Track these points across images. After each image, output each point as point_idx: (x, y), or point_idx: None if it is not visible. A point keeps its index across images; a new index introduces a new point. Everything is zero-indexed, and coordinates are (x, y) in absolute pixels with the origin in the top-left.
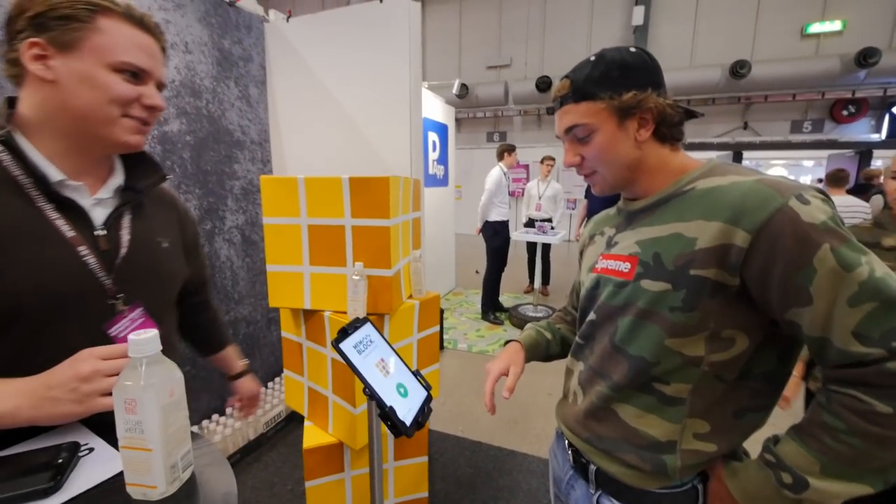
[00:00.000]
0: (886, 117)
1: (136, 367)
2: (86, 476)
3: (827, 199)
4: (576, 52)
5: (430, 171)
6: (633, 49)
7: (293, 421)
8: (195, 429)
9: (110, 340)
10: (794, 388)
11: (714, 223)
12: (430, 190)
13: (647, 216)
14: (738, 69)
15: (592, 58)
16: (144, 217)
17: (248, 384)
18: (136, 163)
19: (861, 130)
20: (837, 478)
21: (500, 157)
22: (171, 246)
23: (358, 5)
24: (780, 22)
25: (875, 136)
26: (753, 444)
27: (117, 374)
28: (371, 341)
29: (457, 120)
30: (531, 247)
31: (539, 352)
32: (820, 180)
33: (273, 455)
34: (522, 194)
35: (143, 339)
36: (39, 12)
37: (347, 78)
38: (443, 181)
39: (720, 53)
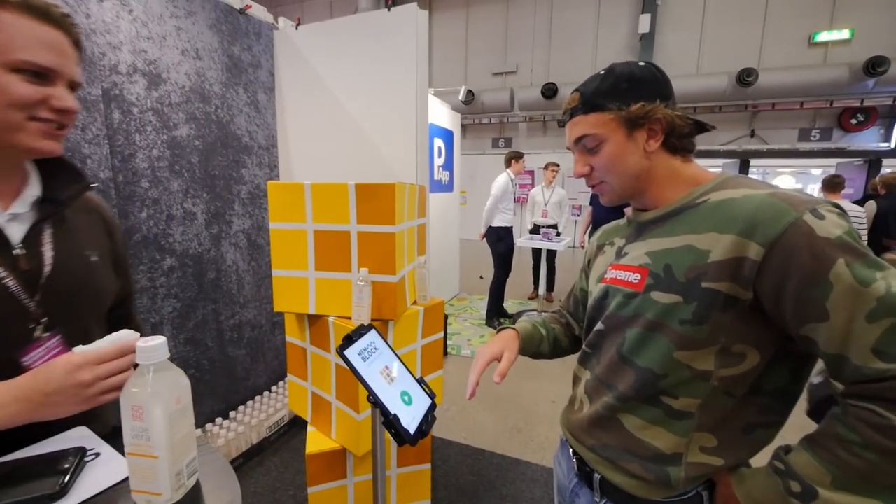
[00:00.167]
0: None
1: (144, 375)
2: (91, 482)
3: (843, 214)
4: (582, 60)
5: (436, 177)
6: (642, 63)
7: (296, 426)
8: (198, 432)
9: (25, 369)
10: None
11: (727, 236)
12: (436, 195)
13: (658, 227)
14: (745, 77)
15: (602, 71)
16: (68, 230)
17: None
18: (55, 171)
19: (870, 139)
20: (848, 491)
21: (508, 163)
22: (101, 259)
23: (366, 13)
24: (788, 30)
25: (884, 145)
26: (763, 458)
27: (117, 373)
28: (376, 348)
29: (462, 126)
30: (536, 253)
31: (532, 346)
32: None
33: (276, 460)
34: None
35: (150, 346)
36: None
37: (354, 84)
38: (448, 187)
39: (727, 61)
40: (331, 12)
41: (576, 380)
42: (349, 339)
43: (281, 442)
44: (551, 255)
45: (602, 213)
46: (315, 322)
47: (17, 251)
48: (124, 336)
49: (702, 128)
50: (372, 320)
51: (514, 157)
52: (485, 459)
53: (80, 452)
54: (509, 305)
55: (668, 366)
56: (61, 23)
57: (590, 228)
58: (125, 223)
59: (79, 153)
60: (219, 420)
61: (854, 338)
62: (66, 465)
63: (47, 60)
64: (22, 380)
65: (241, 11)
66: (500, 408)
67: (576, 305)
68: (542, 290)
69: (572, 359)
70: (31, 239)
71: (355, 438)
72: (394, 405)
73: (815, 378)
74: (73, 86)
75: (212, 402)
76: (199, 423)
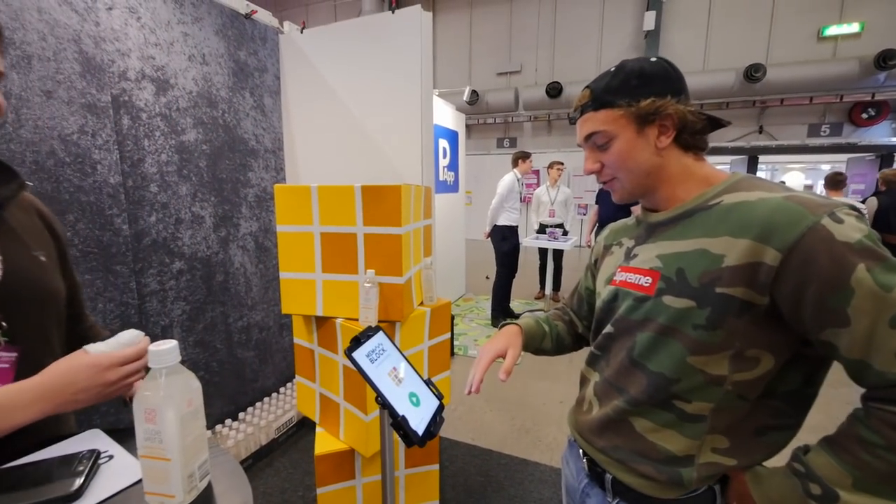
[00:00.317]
0: None
1: (156, 378)
2: (106, 484)
3: (861, 217)
4: (586, 58)
5: (441, 178)
6: (653, 59)
7: (304, 427)
8: (208, 434)
9: None
10: None
11: (742, 240)
12: (441, 196)
13: (669, 229)
14: (753, 73)
15: (613, 68)
16: (12, 231)
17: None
18: None
19: (881, 134)
20: (869, 493)
21: (515, 163)
22: (48, 259)
23: (370, 16)
24: (796, 24)
25: None
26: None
27: (135, 374)
28: (383, 350)
29: (467, 126)
30: (543, 253)
31: (534, 342)
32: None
33: (284, 461)
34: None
35: (163, 349)
36: None
37: (359, 87)
38: (453, 187)
39: (734, 57)
40: (335, 15)
41: (584, 381)
42: (357, 341)
43: (290, 443)
44: (558, 254)
45: (609, 212)
46: (322, 324)
47: None
48: (132, 336)
49: (716, 124)
50: (379, 322)
51: (521, 157)
52: (493, 460)
53: (94, 455)
54: (516, 305)
55: (681, 371)
56: None
57: (596, 227)
58: (135, 227)
59: (89, 159)
60: (228, 421)
61: (877, 343)
62: (81, 468)
63: None
64: (44, 379)
65: (247, 16)
66: (508, 408)
67: (580, 303)
68: (548, 289)
69: (579, 359)
70: None
71: (363, 439)
72: (402, 406)
73: None
74: None
75: (221, 404)
76: (209, 425)
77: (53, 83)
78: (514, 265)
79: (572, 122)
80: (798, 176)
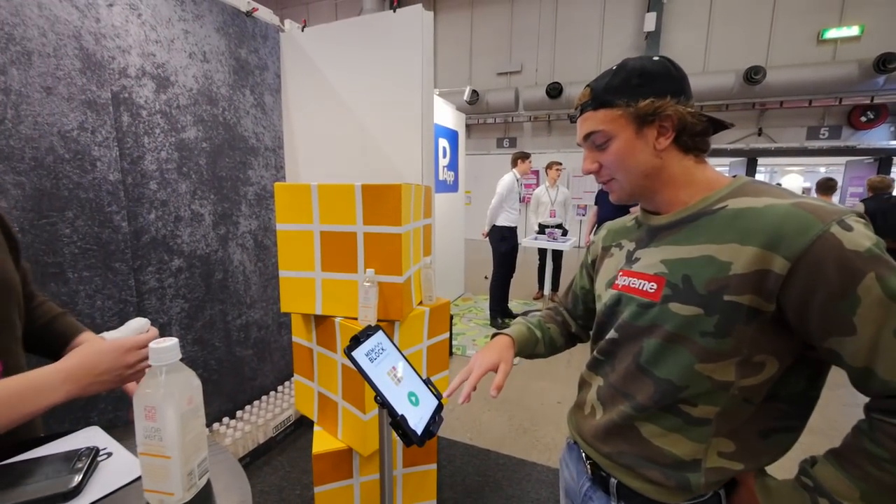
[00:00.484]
0: None
1: (157, 376)
2: (104, 481)
3: (869, 224)
4: (587, 59)
5: (441, 177)
6: (656, 58)
7: (302, 426)
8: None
9: None
10: None
11: (749, 248)
12: (440, 196)
13: (672, 233)
14: (753, 75)
15: (614, 66)
16: None
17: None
18: None
19: (880, 137)
20: None
21: (514, 163)
22: (1, 250)
23: (371, 15)
24: (796, 27)
25: (895, 143)
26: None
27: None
28: (383, 349)
29: (467, 126)
30: (542, 253)
31: (527, 349)
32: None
33: (282, 459)
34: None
35: (163, 347)
36: None
37: (360, 86)
38: (453, 187)
39: (734, 59)
40: (335, 14)
41: (584, 384)
42: (357, 341)
43: (287, 441)
44: (557, 254)
45: (608, 213)
46: (321, 322)
47: None
48: (141, 324)
49: (718, 126)
50: (378, 321)
51: (520, 157)
52: (490, 460)
53: (94, 452)
54: (514, 305)
55: (689, 378)
56: None
57: (595, 228)
58: (134, 224)
59: (89, 156)
60: (226, 419)
61: (881, 352)
62: (80, 465)
63: None
64: (71, 362)
65: (248, 14)
66: (506, 408)
67: (574, 303)
68: (547, 289)
69: (577, 360)
70: None
71: (361, 438)
72: (401, 406)
73: None
74: None
75: (219, 402)
76: (207, 423)
77: (53, 79)
78: (512, 265)
79: (573, 120)
80: (796, 178)
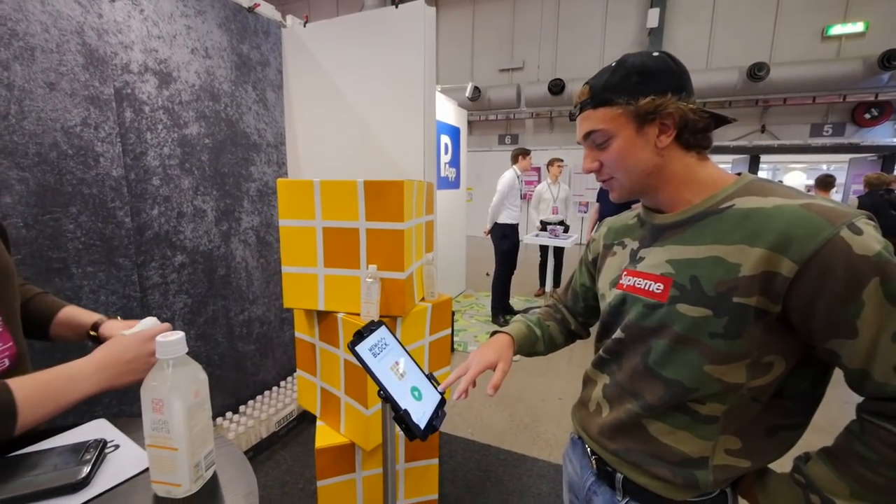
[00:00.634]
0: None
1: (164, 369)
2: (112, 472)
3: (878, 227)
4: (589, 55)
5: (442, 174)
6: (655, 53)
7: (305, 420)
8: None
9: None
10: None
11: (757, 249)
12: (442, 192)
13: (678, 233)
14: (756, 72)
15: (614, 63)
16: None
17: (117, 324)
18: None
19: (884, 134)
20: (866, 501)
21: (515, 160)
22: None
23: (373, 10)
24: (800, 24)
25: None
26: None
27: None
28: (386, 344)
29: (469, 122)
30: (543, 250)
31: (526, 348)
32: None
33: (285, 454)
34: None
35: (171, 340)
36: None
37: (362, 82)
38: (454, 184)
39: (737, 56)
40: (337, 10)
41: (589, 381)
42: (360, 335)
43: (290, 436)
44: (559, 251)
45: (609, 210)
46: (324, 318)
47: None
48: (154, 322)
49: (720, 120)
50: (380, 317)
51: (520, 154)
52: (492, 455)
53: (101, 444)
54: (515, 302)
55: (700, 380)
56: None
57: (597, 225)
58: (137, 220)
59: (92, 151)
60: (228, 414)
61: (878, 355)
62: (88, 456)
63: None
64: (100, 353)
65: (250, 10)
66: (507, 404)
67: (574, 300)
68: (548, 286)
69: (579, 356)
70: None
71: (364, 433)
72: (404, 400)
73: None
74: None
75: (221, 397)
76: None
77: (56, 75)
78: (513, 262)
79: (572, 118)
80: (799, 176)
